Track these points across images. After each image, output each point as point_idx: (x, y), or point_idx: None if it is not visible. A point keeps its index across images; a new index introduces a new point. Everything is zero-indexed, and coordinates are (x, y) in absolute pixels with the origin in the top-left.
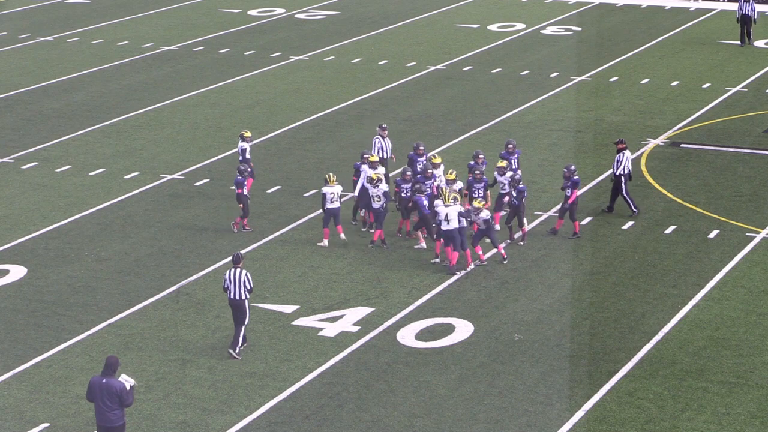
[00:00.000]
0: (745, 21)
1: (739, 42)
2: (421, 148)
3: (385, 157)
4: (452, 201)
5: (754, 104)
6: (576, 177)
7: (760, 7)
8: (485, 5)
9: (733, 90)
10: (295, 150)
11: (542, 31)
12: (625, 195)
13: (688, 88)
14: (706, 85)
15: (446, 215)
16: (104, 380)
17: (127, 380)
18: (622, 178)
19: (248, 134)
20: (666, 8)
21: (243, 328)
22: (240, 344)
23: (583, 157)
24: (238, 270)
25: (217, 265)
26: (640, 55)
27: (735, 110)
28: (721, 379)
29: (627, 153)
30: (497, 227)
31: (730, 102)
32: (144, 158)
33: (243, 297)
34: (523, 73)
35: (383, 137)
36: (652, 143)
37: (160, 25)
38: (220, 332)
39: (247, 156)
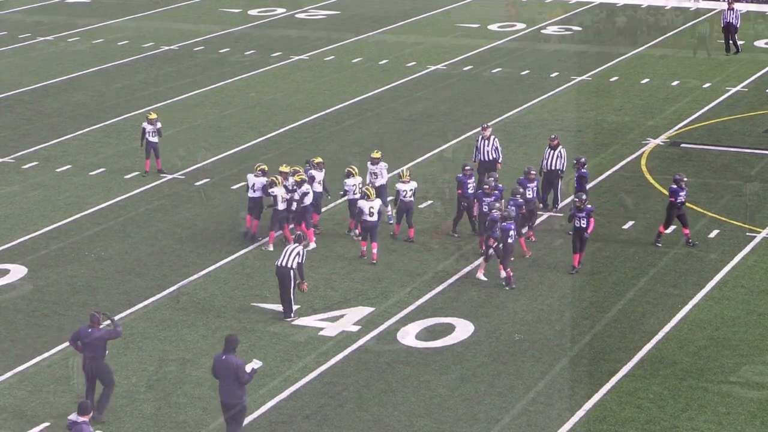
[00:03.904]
0: (729, 29)
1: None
2: (468, 168)
3: (484, 159)
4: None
5: (754, 104)
6: (590, 206)
7: (760, 7)
8: (485, 5)
9: (734, 90)
10: (296, 150)
11: (542, 31)
12: (559, 190)
13: (688, 87)
14: (706, 85)
15: (369, 208)
16: (224, 357)
17: (255, 363)
18: (560, 173)
19: (153, 116)
20: (666, 8)
21: (290, 295)
22: (292, 310)
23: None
24: (295, 245)
25: (217, 264)
26: (641, 55)
27: (735, 110)
28: (722, 379)
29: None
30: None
31: (730, 102)
32: (144, 158)
33: (289, 266)
34: (523, 73)
35: (486, 137)
36: (653, 143)
37: (161, 24)
38: (221, 332)
39: (148, 138)
